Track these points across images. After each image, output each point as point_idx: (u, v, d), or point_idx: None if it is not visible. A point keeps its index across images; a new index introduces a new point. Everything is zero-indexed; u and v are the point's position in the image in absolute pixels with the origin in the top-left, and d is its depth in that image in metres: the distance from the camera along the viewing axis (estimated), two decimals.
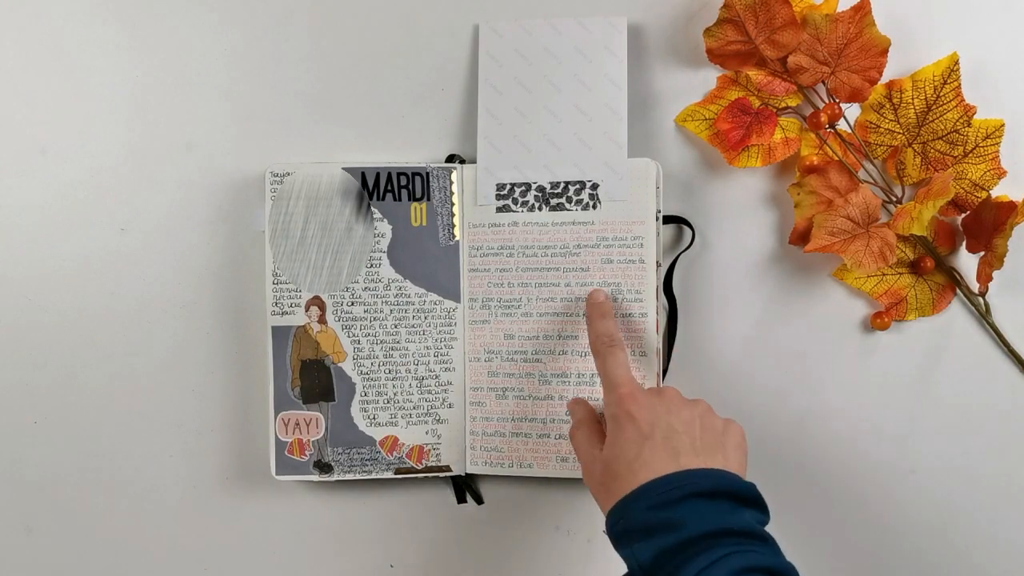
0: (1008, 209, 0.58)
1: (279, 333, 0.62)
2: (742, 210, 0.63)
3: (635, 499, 0.47)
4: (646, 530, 0.46)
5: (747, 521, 0.46)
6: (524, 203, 0.62)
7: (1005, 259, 0.58)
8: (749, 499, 0.48)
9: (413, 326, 0.63)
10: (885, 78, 0.60)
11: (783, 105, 0.62)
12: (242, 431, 0.65)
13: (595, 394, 0.61)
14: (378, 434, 0.63)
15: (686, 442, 0.49)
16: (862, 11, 0.59)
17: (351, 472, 0.63)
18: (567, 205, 0.62)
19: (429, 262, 0.63)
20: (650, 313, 0.61)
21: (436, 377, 0.63)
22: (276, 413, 0.62)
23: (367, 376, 0.63)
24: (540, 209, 0.62)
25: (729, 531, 0.45)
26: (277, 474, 0.63)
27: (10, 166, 0.65)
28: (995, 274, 0.59)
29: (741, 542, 0.45)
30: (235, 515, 0.66)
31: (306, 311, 0.63)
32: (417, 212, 0.63)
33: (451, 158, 0.64)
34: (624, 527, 0.47)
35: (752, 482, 0.49)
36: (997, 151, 0.60)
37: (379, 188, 0.62)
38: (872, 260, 0.59)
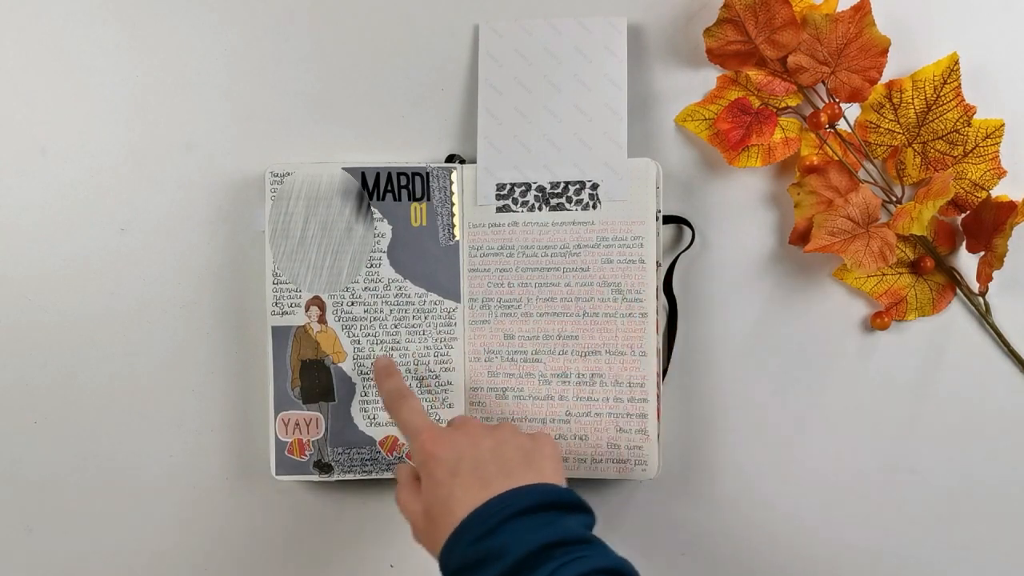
0: (1008, 209, 0.58)
1: (279, 333, 0.62)
2: (742, 210, 0.63)
3: (457, 537, 0.46)
4: (473, 566, 0.45)
5: (570, 528, 0.46)
6: (524, 203, 0.62)
7: (1005, 259, 0.58)
8: (570, 505, 0.48)
9: (413, 326, 0.63)
10: (885, 78, 0.60)
11: (783, 105, 0.62)
12: (242, 431, 0.65)
13: (594, 394, 0.61)
14: (378, 434, 0.63)
15: (493, 469, 0.49)
16: (862, 11, 0.59)
17: (351, 472, 0.63)
18: (567, 205, 0.62)
19: (429, 262, 0.63)
20: (650, 313, 0.61)
21: (436, 377, 0.63)
22: (276, 413, 0.62)
23: (367, 376, 0.63)
24: (540, 209, 0.62)
25: (552, 544, 0.44)
26: (277, 474, 0.63)
27: (10, 166, 0.65)
28: (995, 274, 0.59)
29: (568, 551, 0.44)
30: (235, 515, 0.66)
31: (306, 311, 0.63)
32: (417, 212, 0.63)
33: (451, 158, 0.64)
34: (453, 568, 0.46)
35: (569, 488, 0.49)
36: (997, 151, 0.60)
37: (379, 188, 0.62)
38: (872, 260, 0.59)
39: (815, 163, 0.61)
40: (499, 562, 0.44)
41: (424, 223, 0.63)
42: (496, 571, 0.44)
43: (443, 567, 0.48)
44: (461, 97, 0.64)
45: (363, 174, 0.62)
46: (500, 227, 0.62)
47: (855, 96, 0.60)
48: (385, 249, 0.63)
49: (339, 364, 0.63)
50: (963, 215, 0.61)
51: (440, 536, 0.48)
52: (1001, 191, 0.60)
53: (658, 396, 0.61)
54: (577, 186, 0.62)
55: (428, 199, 0.63)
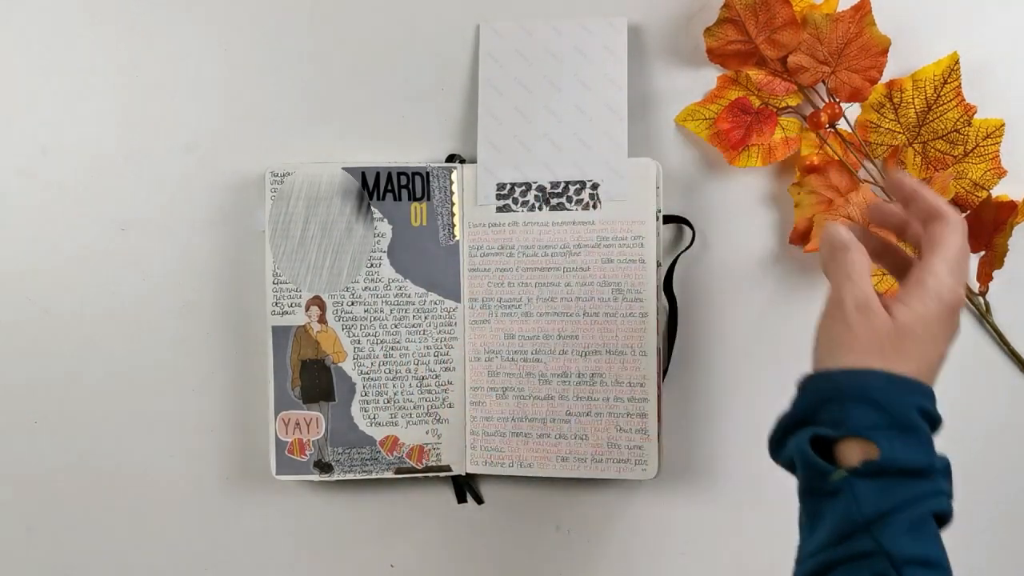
0: (1008, 209, 0.58)
1: (279, 333, 0.62)
2: (742, 210, 0.63)
3: (914, 390, 0.42)
4: (901, 424, 0.41)
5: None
6: (524, 203, 0.62)
7: (1005, 259, 0.58)
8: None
9: (413, 326, 0.63)
10: (885, 78, 0.60)
11: (783, 105, 0.62)
12: (242, 431, 0.65)
13: (594, 394, 0.61)
14: (378, 434, 0.63)
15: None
16: (862, 11, 0.59)
17: (351, 472, 0.63)
18: (567, 205, 0.62)
19: (429, 262, 0.63)
20: (650, 313, 0.61)
21: (436, 377, 0.63)
22: (276, 413, 0.62)
23: (367, 376, 0.63)
24: (540, 209, 0.62)
25: (945, 469, 0.43)
26: (277, 474, 0.63)
27: (10, 166, 0.65)
28: (995, 274, 0.59)
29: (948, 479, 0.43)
30: (235, 515, 0.66)
31: (306, 311, 0.62)
32: (417, 212, 0.63)
33: (451, 158, 0.64)
34: (893, 408, 0.42)
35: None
36: (997, 151, 0.60)
37: (379, 188, 0.62)
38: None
39: (815, 163, 0.61)
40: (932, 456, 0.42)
41: (424, 223, 0.63)
42: (939, 465, 0.42)
43: (906, 394, 0.43)
44: (461, 97, 0.64)
45: (363, 174, 0.62)
46: (500, 227, 0.62)
47: (855, 96, 0.60)
48: (385, 249, 0.63)
49: (339, 364, 0.63)
50: (963, 215, 0.61)
51: (906, 359, 0.43)
52: (1001, 191, 0.60)
53: (658, 396, 0.61)
54: (577, 186, 0.62)
55: (428, 199, 0.63)
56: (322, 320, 0.63)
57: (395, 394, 0.63)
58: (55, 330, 0.65)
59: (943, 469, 0.42)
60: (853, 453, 0.41)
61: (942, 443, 0.63)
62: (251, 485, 0.66)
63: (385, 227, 0.63)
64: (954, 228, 0.43)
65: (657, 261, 0.61)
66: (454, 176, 0.63)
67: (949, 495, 0.42)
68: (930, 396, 0.43)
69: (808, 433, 0.42)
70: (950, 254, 0.43)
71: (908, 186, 0.45)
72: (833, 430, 0.41)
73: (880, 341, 0.42)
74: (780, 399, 0.64)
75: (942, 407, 0.63)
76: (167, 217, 0.65)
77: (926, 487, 0.40)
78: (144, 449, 0.66)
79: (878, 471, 0.40)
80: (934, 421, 0.42)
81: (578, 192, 0.62)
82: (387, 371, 0.63)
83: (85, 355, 0.65)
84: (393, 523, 0.66)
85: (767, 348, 0.64)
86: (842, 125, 0.61)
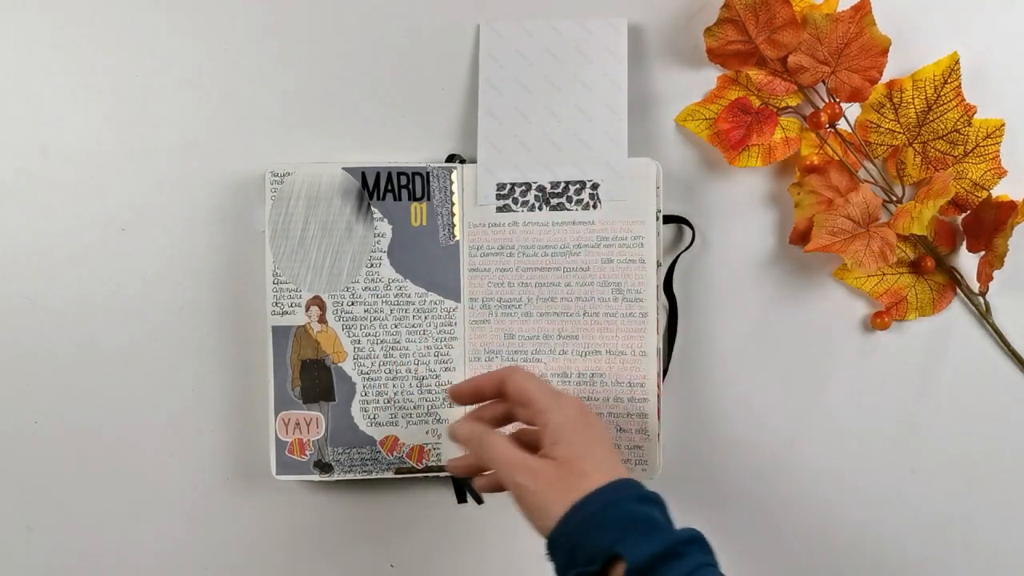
0: (1008, 208, 0.58)
1: (279, 333, 0.62)
2: (742, 210, 0.64)
3: (622, 488, 0.47)
4: (631, 524, 0.45)
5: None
6: (524, 203, 0.62)
7: (1005, 259, 0.58)
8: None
9: (413, 326, 0.63)
10: (885, 78, 0.60)
11: (783, 105, 0.62)
12: (242, 431, 0.65)
13: (594, 394, 0.61)
14: (378, 434, 0.63)
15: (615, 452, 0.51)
16: (862, 11, 0.59)
17: (351, 472, 0.63)
18: (567, 205, 0.62)
19: (429, 262, 0.63)
20: (650, 313, 0.61)
21: (436, 377, 0.63)
22: (276, 413, 0.62)
23: (367, 376, 0.63)
24: (540, 209, 0.62)
25: (693, 539, 0.45)
26: (277, 474, 0.63)
27: (10, 166, 0.65)
28: (995, 274, 0.59)
29: (705, 550, 0.46)
30: (235, 515, 0.66)
31: (306, 311, 0.63)
32: (417, 212, 0.63)
33: (451, 158, 0.64)
34: (615, 516, 0.46)
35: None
36: (997, 151, 0.60)
37: (379, 188, 0.62)
38: (872, 260, 0.59)
39: (815, 163, 0.61)
40: (660, 533, 0.46)
41: (424, 223, 0.63)
42: (662, 544, 0.45)
43: (596, 509, 0.46)
44: (461, 97, 0.64)
45: (363, 174, 0.62)
46: (500, 227, 0.62)
47: (855, 96, 0.60)
48: (385, 249, 0.63)
49: (339, 364, 0.63)
50: (963, 215, 0.61)
51: (582, 488, 0.47)
52: (1001, 191, 0.60)
53: (658, 396, 0.61)
54: (577, 186, 0.62)
55: (428, 199, 0.63)
56: (322, 320, 0.63)
57: (395, 394, 0.63)
58: (55, 330, 0.65)
59: (691, 539, 0.45)
60: (619, 574, 0.44)
61: (943, 444, 0.63)
62: (251, 485, 0.66)
63: (385, 227, 0.63)
64: (515, 371, 0.52)
65: (657, 261, 0.61)
66: (454, 176, 0.63)
67: (714, 564, 0.45)
68: (633, 484, 0.47)
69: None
70: (535, 386, 0.51)
71: (463, 391, 0.54)
72: (591, 567, 0.45)
73: (563, 481, 0.48)
74: (780, 399, 0.64)
75: (943, 407, 0.63)
76: (167, 217, 0.65)
77: (690, 563, 0.44)
78: (144, 449, 0.66)
79: (641, 571, 0.43)
80: (655, 498, 0.47)
81: (578, 192, 0.62)
82: (387, 371, 0.63)
83: (85, 355, 0.65)
84: (393, 523, 0.66)
85: (767, 348, 0.64)
86: (842, 125, 0.61)
